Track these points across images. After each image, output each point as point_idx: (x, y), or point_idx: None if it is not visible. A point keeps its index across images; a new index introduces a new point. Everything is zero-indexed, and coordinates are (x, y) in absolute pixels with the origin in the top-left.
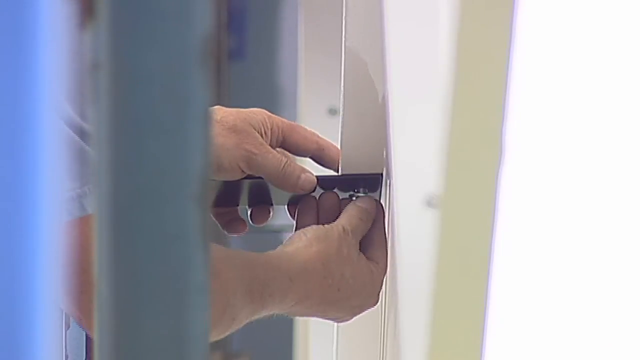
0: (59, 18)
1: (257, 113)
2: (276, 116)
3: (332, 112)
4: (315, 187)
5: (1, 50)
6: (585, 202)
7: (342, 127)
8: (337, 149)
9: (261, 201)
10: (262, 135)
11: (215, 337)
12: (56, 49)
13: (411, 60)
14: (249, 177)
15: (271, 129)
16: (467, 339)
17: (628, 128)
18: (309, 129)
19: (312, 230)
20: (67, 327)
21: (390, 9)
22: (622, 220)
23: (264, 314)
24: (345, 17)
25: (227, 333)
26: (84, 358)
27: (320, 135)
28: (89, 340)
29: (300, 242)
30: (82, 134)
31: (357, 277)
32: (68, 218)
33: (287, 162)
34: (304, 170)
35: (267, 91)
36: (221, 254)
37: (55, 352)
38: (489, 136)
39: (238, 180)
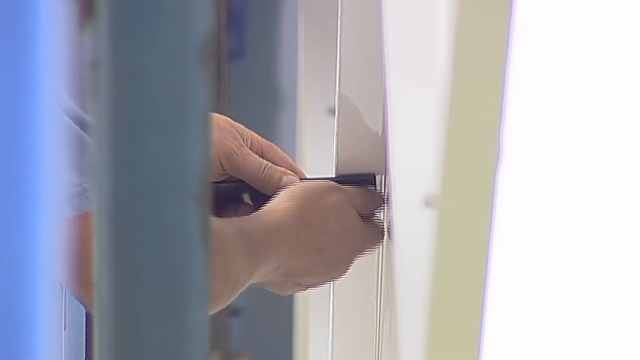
0: (59, 18)
1: (238, 124)
2: (255, 134)
3: (332, 112)
4: None
5: (1, 48)
6: (582, 202)
7: (337, 127)
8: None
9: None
10: (243, 140)
11: (222, 304)
12: (56, 48)
13: (409, 61)
14: (230, 181)
15: (251, 141)
16: (464, 339)
17: (626, 129)
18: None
19: (292, 187)
20: (64, 328)
21: (388, 9)
22: (620, 220)
23: (262, 270)
24: (340, 17)
25: (233, 298)
26: (84, 359)
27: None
28: (88, 341)
29: (279, 197)
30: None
31: (343, 223)
32: (75, 213)
33: (267, 164)
34: (285, 172)
35: (267, 91)
36: (216, 225)
37: (55, 351)
38: (487, 136)
39: (226, 188)
